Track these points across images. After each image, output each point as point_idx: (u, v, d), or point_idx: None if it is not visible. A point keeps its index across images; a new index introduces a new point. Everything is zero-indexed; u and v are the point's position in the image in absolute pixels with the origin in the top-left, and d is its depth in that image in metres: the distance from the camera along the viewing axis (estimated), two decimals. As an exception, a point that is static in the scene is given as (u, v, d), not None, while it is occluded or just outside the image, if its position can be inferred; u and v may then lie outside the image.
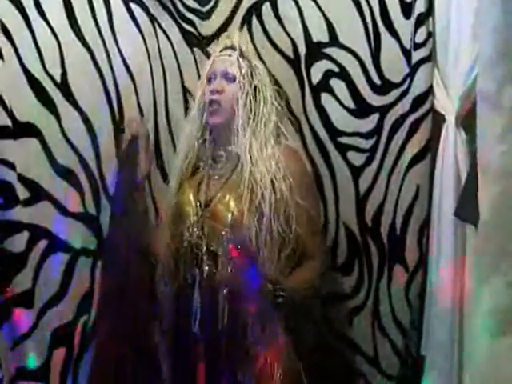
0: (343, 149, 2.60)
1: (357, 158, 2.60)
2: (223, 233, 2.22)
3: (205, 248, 2.24)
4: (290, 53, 2.60)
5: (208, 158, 2.37)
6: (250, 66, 2.34)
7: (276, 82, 2.51)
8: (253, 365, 2.19)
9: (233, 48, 2.37)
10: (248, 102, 2.28)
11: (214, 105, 2.30)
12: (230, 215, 2.22)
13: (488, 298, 1.71)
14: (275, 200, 2.20)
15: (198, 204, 2.29)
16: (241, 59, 2.33)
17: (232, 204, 2.24)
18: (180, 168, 2.38)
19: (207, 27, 2.64)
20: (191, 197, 2.32)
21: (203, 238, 2.25)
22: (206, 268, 2.24)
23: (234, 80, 2.30)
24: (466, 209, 2.11)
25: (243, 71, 2.31)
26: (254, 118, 2.28)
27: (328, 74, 2.60)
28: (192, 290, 2.25)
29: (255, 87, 2.32)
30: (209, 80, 2.34)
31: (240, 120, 2.27)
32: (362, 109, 2.59)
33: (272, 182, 2.21)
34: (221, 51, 2.39)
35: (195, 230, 2.27)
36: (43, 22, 2.29)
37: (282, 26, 2.61)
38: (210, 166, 2.36)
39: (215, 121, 2.31)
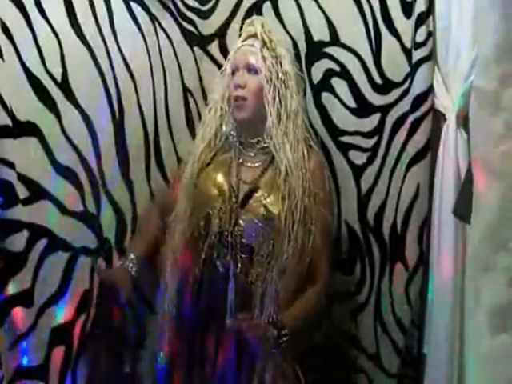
0: (345, 148, 2.61)
1: (358, 157, 2.61)
2: (260, 229, 2.20)
3: (239, 239, 2.21)
4: (290, 52, 2.59)
5: (235, 145, 2.34)
6: (275, 55, 2.30)
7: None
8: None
9: (256, 37, 2.32)
10: (276, 95, 2.24)
11: (238, 100, 2.26)
12: (266, 212, 2.20)
13: (488, 295, 1.71)
14: (304, 209, 2.19)
15: (232, 189, 2.26)
16: (264, 49, 2.29)
17: (270, 202, 2.21)
18: (199, 156, 2.35)
19: (208, 26, 2.65)
20: (220, 179, 2.29)
21: (237, 228, 2.22)
22: (240, 262, 2.21)
23: (257, 72, 2.26)
24: (465, 207, 2.11)
25: (268, 62, 2.27)
26: (284, 113, 2.24)
27: (329, 73, 2.60)
28: (223, 280, 2.22)
29: (281, 78, 2.27)
30: (232, 72, 2.31)
31: (270, 116, 2.23)
32: (363, 108, 2.60)
33: (303, 189, 2.20)
34: (243, 40, 2.35)
35: (228, 216, 2.23)
36: (44, 21, 2.28)
37: (283, 25, 2.61)
38: (238, 152, 2.33)
39: (241, 116, 2.28)
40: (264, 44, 2.29)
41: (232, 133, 2.35)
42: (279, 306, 2.17)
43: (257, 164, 2.31)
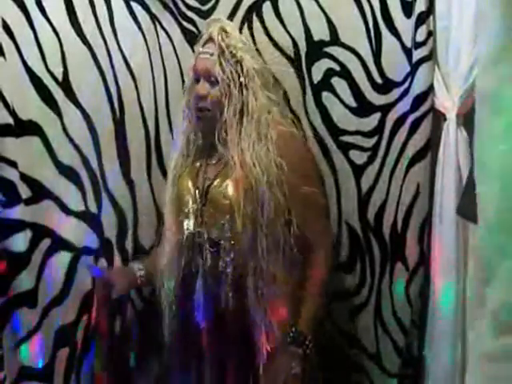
0: (345, 147, 2.62)
1: (359, 157, 2.61)
2: (223, 221, 2.20)
3: (206, 236, 2.23)
4: (290, 52, 2.60)
5: (205, 148, 2.34)
6: (235, 60, 2.25)
7: (276, 81, 2.51)
8: (258, 353, 2.19)
9: (214, 42, 2.26)
10: (234, 102, 2.22)
11: (199, 112, 2.26)
12: (228, 202, 2.20)
13: (489, 297, 1.72)
14: (270, 185, 2.17)
15: (197, 191, 2.27)
16: (222, 57, 2.23)
17: (230, 191, 2.21)
18: (176, 160, 2.36)
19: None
20: (190, 185, 2.30)
21: (203, 225, 2.24)
22: (209, 256, 2.22)
23: (218, 82, 2.23)
24: (469, 206, 2.11)
25: (226, 71, 2.22)
26: (242, 116, 2.22)
27: (329, 73, 2.60)
28: (195, 278, 2.25)
29: (242, 84, 2.24)
30: (195, 79, 2.29)
31: (228, 121, 2.22)
32: (363, 107, 2.59)
33: (266, 168, 2.18)
34: (203, 45, 2.30)
35: (195, 218, 2.25)
36: (44, 21, 2.28)
37: (283, 24, 2.60)
38: (207, 155, 2.33)
39: (204, 125, 2.28)
40: (222, 51, 2.24)
41: (199, 136, 2.35)
42: (268, 283, 2.19)
43: (220, 160, 2.30)
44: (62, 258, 2.30)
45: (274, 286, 2.20)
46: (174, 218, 2.32)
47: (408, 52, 2.53)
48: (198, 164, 2.34)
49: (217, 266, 2.21)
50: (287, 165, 2.20)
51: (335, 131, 2.62)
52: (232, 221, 2.19)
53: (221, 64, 2.23)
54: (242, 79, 2.24)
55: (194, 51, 2.60)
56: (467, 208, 2.13)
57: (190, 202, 2.27)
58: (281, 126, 2.30)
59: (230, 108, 2.21)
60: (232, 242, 2.21)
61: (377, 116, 2.59)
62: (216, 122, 2.25)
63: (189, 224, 2.27)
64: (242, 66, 2.25)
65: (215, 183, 2.24)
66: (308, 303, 2.24)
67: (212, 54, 2.25)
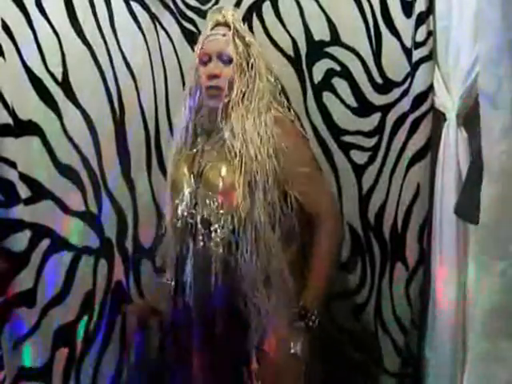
0: (346, 147, 2.62)
1: (359, 157, 2.62)
2: (215, 201, 2.20)
3: (199, 217, 2.23)
4: (291, 52, 2.60)
5: (203, 133, 2.34)
6: (245, 43, 2.27)
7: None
8: (249, 336, 2.18)
9: (226, 25, 2.28)
10: (245, 81, 2.23)
11: (213, 90, 2.25)
12: (221, 182, 2.20)
13: (489, 297, 1.72)
14: (264, 165, 2.17)
15: (192, 175, 2.28)
16: (236, 38, 2.26)
17: (223, 171, 2.20)
18: (176, 147, 2.36)
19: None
20: (185, 170, 2.30)
21: (197, 207, 2.24)
22: (200, 237, 2.23)
23: (231, 61, 2.24)
24: (466, 207, 2.12)
25: (239, 51, 2.24)
26: (248, 96, 2.23)
27: (329, 73, 2.60)
28: (186, 259, 2.26)
29: (251, 65, 2.26)
30: (203, 62, 2.28)
31: (235, 98, 2.22)
32: (363, 107, 2.60)
33: (259, 148, 2.17)
34: (212, 28, 2.30)
35: (189, 200, 2.25)
36: (44, 21, 2.28)
37: (283, 24, 2.60)
38: (204, 141, 2.33)
39: (215, 105, 2.26)
40: (236, 32, 2.27)
41: (200, 121, 2.35)
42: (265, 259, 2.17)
43: (215, 143, 2.29)
44: (62, 258, 2.30)
45: (270, 262, 2.18)
46: (171, 204, 2.33)
47: (408, 52, 2.53)
48: (194, 150, 2.33)
49: (209, 246, 2.21)
50: (286, 145, 2.21)
51: (336, 131, 2.62)
52: (225, 200, 2.19)
53: (235, 43, 2.25)
54: (251, 60, 2.26)
55: (194, 51, 2.61)
56: (466, 209, 2.14)
57: (185, 186, 2.27)
58: (278, 111, 2.32)
59: (239, 86, 2.23)
60: (223, 222, 2.20)
61: (377, 116, 2.59)
62: (223, 101, 2.25)
63: (182, 206, 2.27)
64: (250, 48, 2.28)
65: (210, 165, 2.24)
66: (314, 278, 2.22)
67: (224, 35, 2.26)
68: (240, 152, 2.17)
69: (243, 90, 2.23)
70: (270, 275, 2.18)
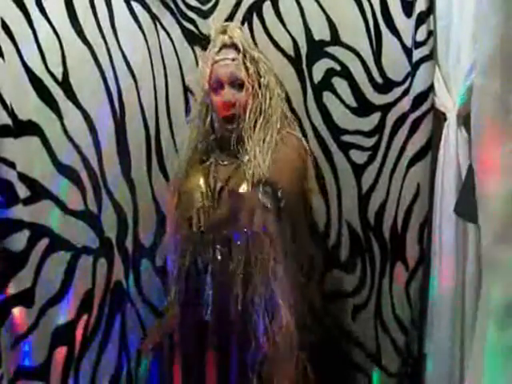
0: (345, 147, 2.62)
1: (359, 156, 2.61)
2: (237, 219, 2.18)
3: (218, 233, 2.22)
4: (291, 51, 2.60)
5: (215, 150, 2.35)
6: (255, 62, 2.26)
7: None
8: (263, 354, 2.16)
9: (234, 47, 2.26)
10: (257, 103, 2.23)
11: (230, 120, 2.25)
12: (244, 203, 2.17)
13: (496, 293, 1.71)
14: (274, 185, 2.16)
15: (209, 189, 2.26)
16: (246, 61, 2.24)
17: (245, 190, 2.18)
18: (187, 158, 2.37)
19: (208, 26, 2.62)
20: (201, 182, 2.29)
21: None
22: (219, 255, 2.22)
23: (243, 85, 2.23)
24: (466, 206, 2.11)
25: (250, 72, 2.23)
26: (262, 116, 2.23)
27: (330, 73, 2.60)
28: (204, 276, 2.24)
29: (262, 84, 2.25)
30: (214, 88, 2.27)
31: (249, 122, 2.22)
32: (363, 107, 2.60)
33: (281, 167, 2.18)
34: (219, 51, 2.28)
35: (205, 215, 2.24)
36: (45, 21, 2.27)
37: (283, 24, 2.61)
38: (217, 155, 2.33)
39: (231, 133, 2.26)
40: (244, 55, 2.25)
41: (212, 141, 2.37)
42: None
43: (232, 161, 2.29)
44: (61, 258, 2.30)
45: (287, 281, 2.17)
46: (182, 215, 2.32)
47: (408, 52, 2.54)
48: (208, 163, 2.33)
49: (227, 264, 2.20)
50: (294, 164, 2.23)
51: (336, 131, 2.62)
52: (249, 220, 2.17)
53: (246, 66, 2.23)
54: (262, 79, 2.26)
55: (194, 51, 2.63)
56: (465, 208, 2.13)
57: (201, 199, 2.26)
58: (288, 129, 2.32)
59: (252, 108, 2.23)
60: (244, 242, 2.18)
61: (377, 116, 2.60)
62: (238, 127, 2.25)
63: (199, 221, 2.25)
64: (259, 66, 2.27)
65: (231, 183, 2.23)
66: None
67: (233, 59, 2.25)
68: (261, 176, 2.16)
69: (257, 112, 2.23)
70: (287, 294, 2.16)
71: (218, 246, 2.22)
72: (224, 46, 2.28)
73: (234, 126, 2.25)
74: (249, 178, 2.17)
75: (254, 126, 2.23)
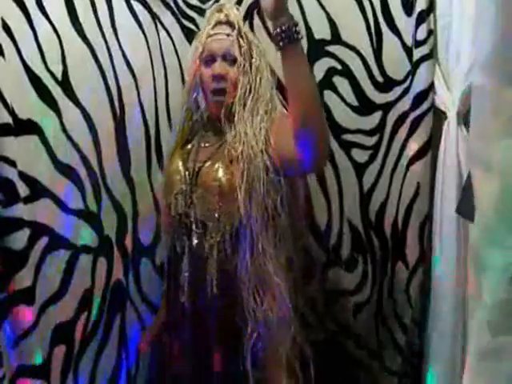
0: (347, 146, 2.62)
1: (360, 155, 2.61)
2: (211, 203, 2.17)
3: (193, 217, 2.21)
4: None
5: (199, 132, 2.34)
6: (249, 43, 2.25)
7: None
8: (244, 338, 2.13)
9: (229, 24, 2.25)
10: (247, 82, 2.20)
11: (218, 92, 2.22)
12: (219, 183, 2.16)
13: (487, 295, 1.71)
14: (264, 170, 2.12)
15: (187, 172, 2.25)
16: (240, 38, 2.23)
17: (221, 172, 2.17)
18: (174, 143, 2.37)
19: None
20: (180, 166, 2.28)
21: (192, 206, 2.21)
22: (196, 237, 2.21)
23: (235, 62, 2.21)
24: (468, 205, 2.11)
25: (243, 51, 2.22)
26: (251, 97, 2.20)
27: (330, 72, 2.60)
28: (181, 260, 2.23)
29: (253, 65, 2.23)
30: (206, 62, 2.24)
31: (238, 101, 2.19)
32: (364, 106, 2.60)
33: (261, 152, 2.13)
34: (214, 27, 2.26)
35: (183, 198, 2.23)
36: (44, 19, 2.27)
37: (284, 23, 2.60)
38: (200, 137, 2.32)
39: (219, 107, 2.22)
40: (239, 32, 2.24)
41: (199, 119, 2.36)
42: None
43: (213, 142, 2.28)
44: (61, 256, 2.30)
45: (266, 265, 2.14)
46: (165, 200, 2.32)
47: (409, 50, 2.54)
48: (189, 146, 2.32)
49: (203, 247, 2.18)
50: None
51: (337, 130, 2.62)
52: (221, 202, 2.16)
53: (239, 43, 2.23)
54: (253, 59, 2.24)
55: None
56: (467, 207, 2.13)
57: (179, 183, 2.25)
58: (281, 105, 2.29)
59: (242, 88, 2.20)
60: (219, 225, 2.17)
61: (378, 114, 2.60)
62: (226, 101, 2.23)
63: (177, 205, 2.25)
64: (252, 48, 2.26)
65: (206, 165, 2.21)
66: None
67: (228, 35, 2.24)
68: (242, 156, 2.13)
69: (246, 91, 2.20)
70: (266, 279, 2.14)
71: (194, 228, 2.21)
72: (219, 22, 2.27)
73: (224, 98, 2.22)
74: (235, 154, 2.15)
75: (245, 104, 2.20)
